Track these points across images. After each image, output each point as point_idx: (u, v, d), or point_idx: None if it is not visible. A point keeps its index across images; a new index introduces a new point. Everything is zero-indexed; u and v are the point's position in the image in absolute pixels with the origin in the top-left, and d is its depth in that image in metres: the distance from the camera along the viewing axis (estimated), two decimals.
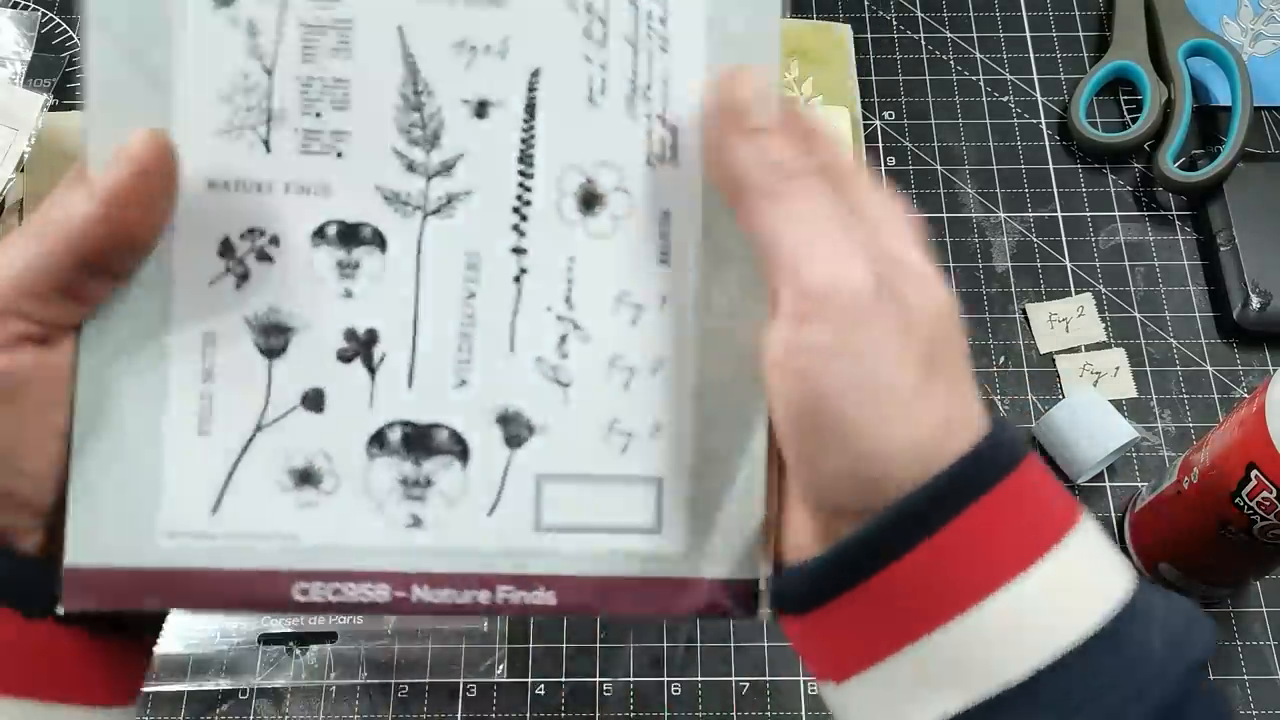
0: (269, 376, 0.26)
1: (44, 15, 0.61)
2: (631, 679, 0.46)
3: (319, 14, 0.26)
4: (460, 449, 0.26)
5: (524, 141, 0.26)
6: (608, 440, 0.26)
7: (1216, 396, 0.52)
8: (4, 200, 0.53)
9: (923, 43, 0.62)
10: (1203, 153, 0.56)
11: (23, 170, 0.53)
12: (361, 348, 0.26)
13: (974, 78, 0.60)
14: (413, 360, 0.26)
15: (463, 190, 0.26)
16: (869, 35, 0.61)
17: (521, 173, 0.26)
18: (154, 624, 0.28)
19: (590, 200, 0.26)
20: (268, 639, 0.46)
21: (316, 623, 0.46)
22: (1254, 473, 0.38)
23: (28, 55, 0.60)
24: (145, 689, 0.46)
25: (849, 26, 0.60)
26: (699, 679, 0.46)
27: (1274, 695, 0.46)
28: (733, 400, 0.27)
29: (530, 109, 0.26)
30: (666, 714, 0.46)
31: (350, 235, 0.26)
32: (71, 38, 0.61)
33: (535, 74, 0.26)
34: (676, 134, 0.26)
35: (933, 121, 0.59)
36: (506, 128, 0.26)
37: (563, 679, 0.47)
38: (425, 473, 0.26)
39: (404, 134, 0.26)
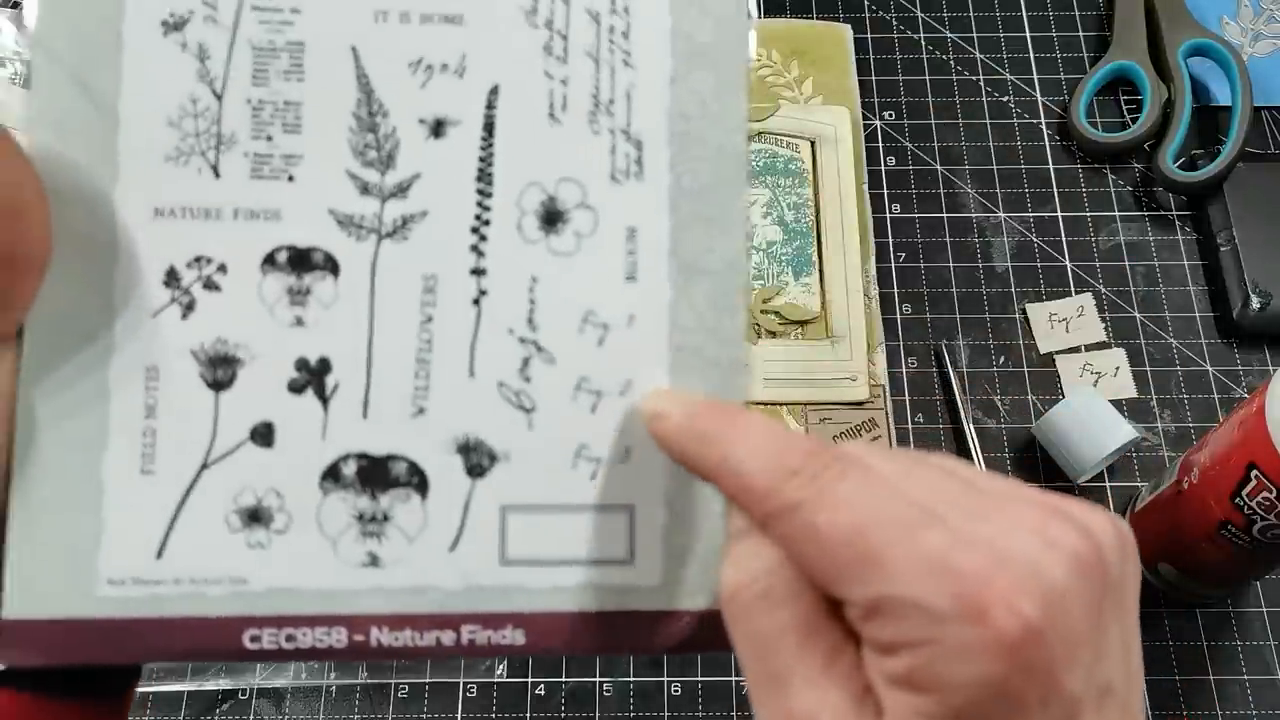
0: (216, 410, 0.25)
1: None
2: (631, 679, 0.46)
3: (271, 37, 0.25)
4: (419, 481, 0.25)
5: (482, 160, 0.25)
6: (575, 467, 0.25)
7: (1216, 396, 0.52)
8: None
9: (923, 43, 0.62)
10: (1203, 153, 0.56)
11: None
12: (313, 377, 0.25)
13: (974, 78, 0.60)
14: (367, 389, 0.25)
15: (419, 211, 0.25)
16: (869, 35, 0.61)
17: (480, 191, 0.25)
18: (115, 682, 0.26)
19: (552, 218, 0.26)
20: None
21: None
22: (1254, 473, 0.38)
23: (28, 55, 0.60)
24: (145, 689, 0.46)
25: (849, 26, 0.61)
26: (699, 679, 0.46)
27: (1274, 695, 0.46)
28: None
29: (489, 127, 0.26)
30: (666, 714, 0.46)
31: (301, 261, 0.25)
32: None
33: (494, 91, 0.26)
34: (641, 148, 0.26)
35: (933, 121, 0.59)
36: (464, 146, 0.25)
37: (563, 679, 0.47)
38: (382, 507, 0.25)
39: (358, 156, 0.25)
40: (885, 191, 0.57)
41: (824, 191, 0.55)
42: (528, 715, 0.46)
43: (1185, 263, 0.55)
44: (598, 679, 0.46)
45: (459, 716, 0.46)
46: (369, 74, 0.25)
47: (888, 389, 0.52)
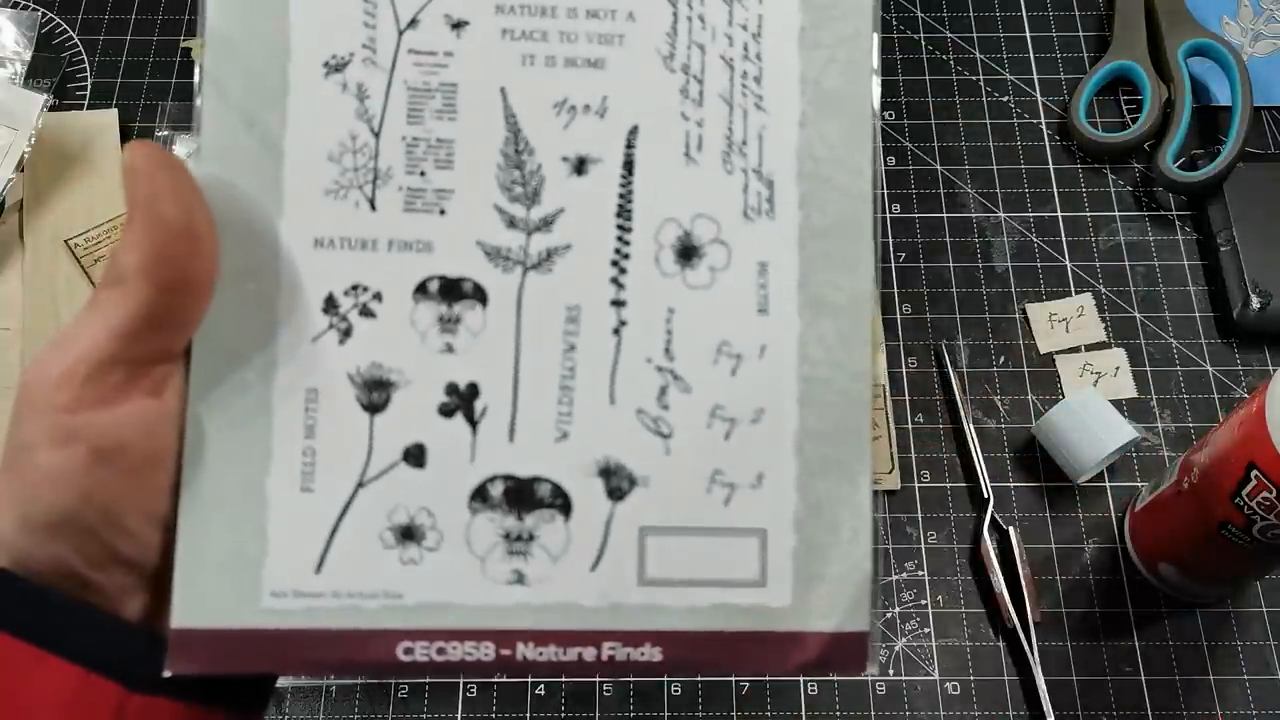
0: (371, 432, 0.26)
1: (44, 15, 0.61)
2: (631, 679, 0.46)
3: (426, 78, 0.26)
4: (562, 502, 0.26)
5: (622, 196, 0.27)
6: (710, 492, 0.26)
7: (1216, 396, 0.52)
8: (4, 200, 0.53)
9: (923, 43, 0.62)
10: (1203, 153, 0.56)
11: (22, 170, 0.53)
12: (463, 402, 0.26)
13: (974, 78, 0.60)
14: (514, 413, 0.26)
15: (562, 245, 0.26)
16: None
17: (620, 227, 0.26)
18: (254, 698, 0.27)
19: (688, 252, 0.27)
20: None
21: None
22: (1254, 473, 0.38)
23: (28, 55, 0.60)
24: None
25: None
26: (699, 679, 0.46)
27: (1274, 695, 0.46)
28: (834, 450, 0.27)
29: (628, 165, 0.27)
30: (666, 714, 0.46)
31: (452, 290, 0.26)
32: (71, 38, 0.61)
33: (633, 131, 0.27)
34: (773, 187, 0.27)
35: (933, 121, 0.59)
36: (605, 184, 0.26)
37: (562, 679, 0.46)
38: (528, 527, 0.26)
39: (505, 191, 0.26)
40: (885, 191, 0.57)
41: None
42: (527, 715, 0.46)
43: (1185, 263, 0.55)
44: (597, 679, 0.46)
45: (459, 716, 0.46)
46: (517, 114, 0.26)
47: (888, 389, 0.52)
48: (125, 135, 0.57)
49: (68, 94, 0.59)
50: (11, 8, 0.61)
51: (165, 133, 0.57)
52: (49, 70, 0.60)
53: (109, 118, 0.57)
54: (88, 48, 0.61)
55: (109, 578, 0.24)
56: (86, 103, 0.59)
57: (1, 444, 0.24)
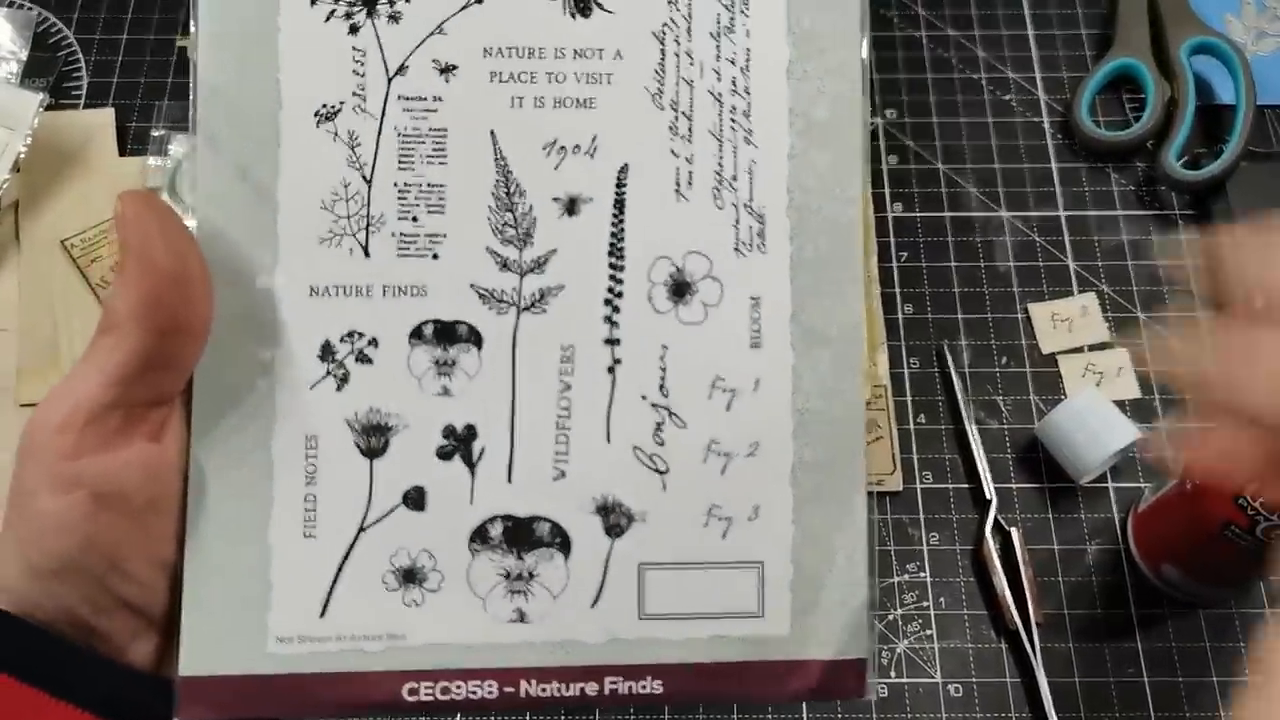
0: (370, 477, 0.26)
1: (40, 15, 0.61)
2: None
3: (416, 124, 0.26)
4: (561, 541, 0.26)
5: (614, 235, 0.27)
6: (707, 526, 0.27)
7: None
8: (0, 200, 0.53)
9: (924, 41, 0.61)
10: (1206, 151, 0.56)
11: (18, 170, 0.53)
12: (461, 444, 0.26)
13: (976, 76, 0.60)
14: (511, 454, 0.26)
15: (555, 285, 0.27)
16: (871, 33, 0.61)
17: (612, 265, 0.27)
18: None
19: (681, 289, 0.27)
20: None
21: None
22: None
23: (24, 55, 0.59)
24: None
25: None
26: None
27: None
28: (829, 478, 0.27)
29: (619, 204, 0.27)
30: (667, 714, 0.46)
31: (447, 334, 0.26)
32: (67, 37, 0.61)
33: (623, 170, 0.27)
34: (764, 221, 0.27)
35: (935, 120, 0.59)
36: (597, 223, 0.27)
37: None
38: (528, 566, 0.26)
39: (497, 233, 0.26)
40: (887, 191, 0.57)
41: None
42: (527, 715, 0.46)
43: (1188, 262, 0.55)
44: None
45: (458, 717, 0.45)
46: (507, 156, 0.27)
47: (889, 389, 0.52)
48: (122, 134, 0.57)
49: (64, 93, 0.59)
50: (7, 7, 0.61)
51: (161, 132, 0.56)
52: (45, 70, 0.59)
53: (105, 117, 0.57)
54: (84, 47, 0.60)
55: (115, 623, 0.24)
56: (83, 102, 0.58)
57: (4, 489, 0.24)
